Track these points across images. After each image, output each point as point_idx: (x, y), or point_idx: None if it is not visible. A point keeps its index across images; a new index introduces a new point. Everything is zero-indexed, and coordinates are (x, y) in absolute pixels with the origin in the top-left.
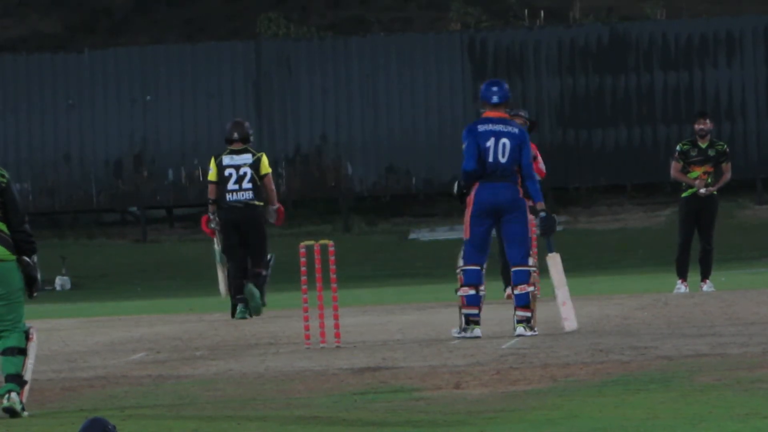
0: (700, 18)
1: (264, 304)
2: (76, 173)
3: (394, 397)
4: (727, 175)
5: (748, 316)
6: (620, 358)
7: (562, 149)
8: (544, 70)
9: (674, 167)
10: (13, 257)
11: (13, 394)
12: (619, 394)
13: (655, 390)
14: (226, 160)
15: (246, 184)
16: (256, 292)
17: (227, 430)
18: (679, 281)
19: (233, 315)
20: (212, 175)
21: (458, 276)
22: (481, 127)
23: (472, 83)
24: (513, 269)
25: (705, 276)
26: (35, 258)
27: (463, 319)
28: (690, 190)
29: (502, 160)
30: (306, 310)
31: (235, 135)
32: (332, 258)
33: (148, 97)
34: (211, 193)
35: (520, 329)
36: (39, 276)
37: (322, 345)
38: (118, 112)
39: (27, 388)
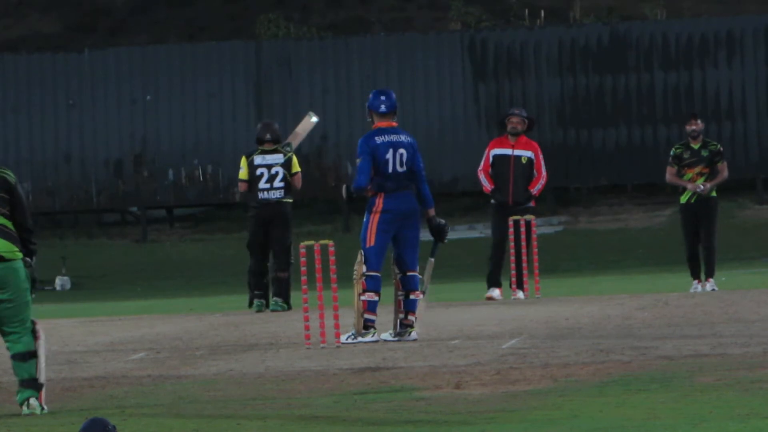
0: (700, 18)
1: (289, 308)
2: (76, 173)
3: (394, 397)
4: (724, 174)
5: (749, 316)
6: (621, 358)
7: (563, 149)
8: (545, 70)
9: (669, 172)
10: (20, 255)
11: (32, 400)
12: (620, 394)
13: (655, 390)
14: (258, 159)
15: (278, 183)
16: (283, 306)
17: (227, 429)
18: (695, 281)
19: (250, 305)
20: (243, 174)
21: (360, 281)
22: (378, 139)
23: (473, 83)
24: (408, 274)
25: (708, 275)
26: (34, 260)
27: (362, 322)
28: (686, 194)
29: (401, 170)
30: (306, 310)
31: (268, 136)
32: (332, 258)
33: (149, 97)
34: (243, 188)
35: (414, 334)
36: (37, 278)
37: (322, 345)
38: (119, 112)
39: (44, 390)
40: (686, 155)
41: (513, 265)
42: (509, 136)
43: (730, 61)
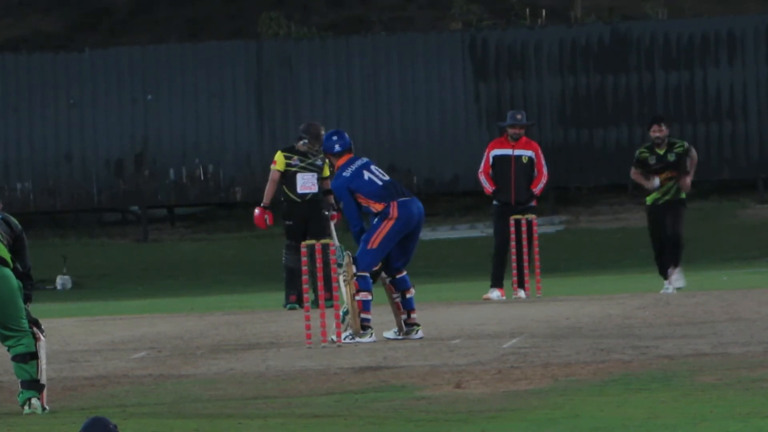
0: (701, 17)
1: (285, 307)
2: (77, 173)
3: (395, 396)
4: (694, 162)
5: (750, 316)
6: (621, 358)
7: (564, 148)
8: (546, 70)
9: (633, 172)
10: (11, 266)
11: (34, 400)
12: (621, 394)
13: (656, 389)
14: None
15: None
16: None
17: (228, 429)
18: (666, 282)
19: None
20: None
21: (352, 282)
22: (346, 173)
23: (474, 83)
24: (398, 276)
25: (674, 264)
26: (30, 305)
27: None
28: (651, 196)
29: (387, 179)
30: (307, 309)
31: None
32: (334, 258)
33: (150, 97)
34: None
35: (420, 332)
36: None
37: (323, 344)
38: (120, 111)
39: (45, 390)
40: (652, 161)
41: (514, 265)
42: (509, 138)
43: (731, 61)
